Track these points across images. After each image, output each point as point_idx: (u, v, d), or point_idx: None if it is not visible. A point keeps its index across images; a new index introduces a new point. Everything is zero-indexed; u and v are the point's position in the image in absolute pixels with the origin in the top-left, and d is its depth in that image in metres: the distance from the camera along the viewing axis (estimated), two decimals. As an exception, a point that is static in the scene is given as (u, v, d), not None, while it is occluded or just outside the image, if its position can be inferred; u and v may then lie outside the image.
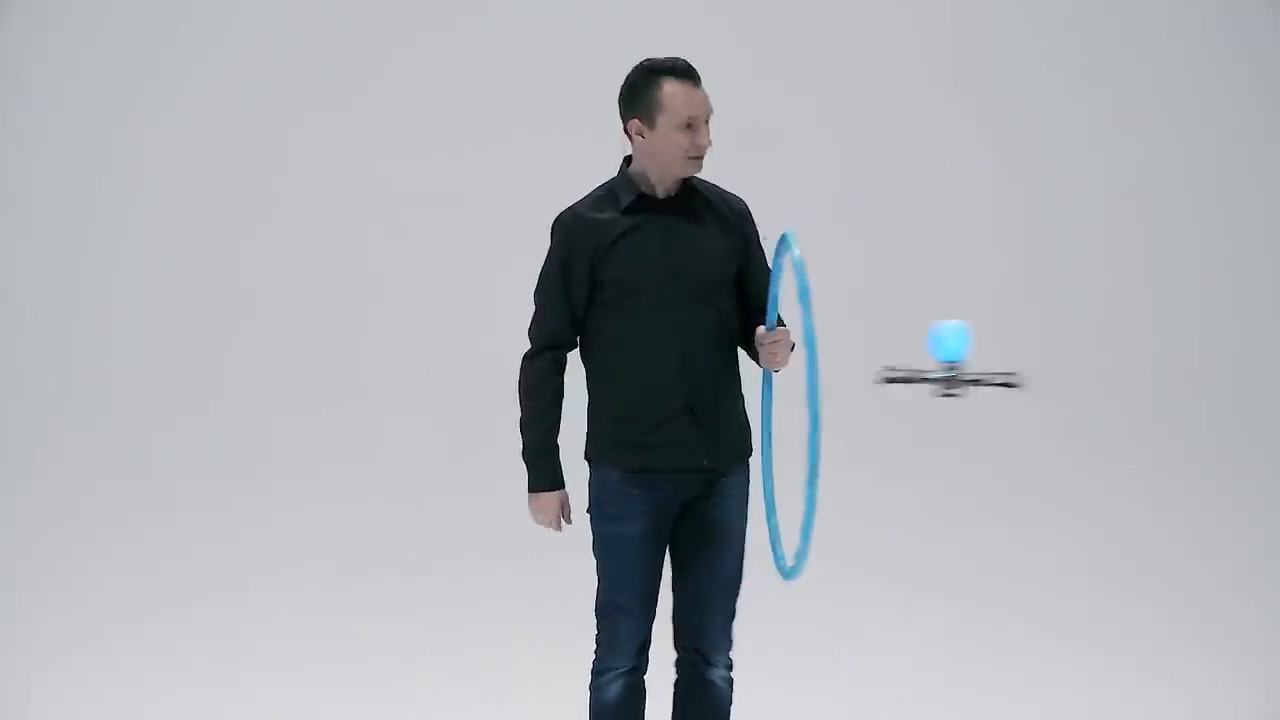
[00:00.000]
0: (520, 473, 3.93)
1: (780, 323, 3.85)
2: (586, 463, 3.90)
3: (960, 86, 6.97)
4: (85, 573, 6.28)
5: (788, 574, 3.75)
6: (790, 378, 3.88)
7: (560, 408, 3.86)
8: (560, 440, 3.90)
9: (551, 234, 3.86)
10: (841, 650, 5.74)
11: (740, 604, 3.96)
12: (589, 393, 3.88)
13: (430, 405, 6.72)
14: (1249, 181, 7.02)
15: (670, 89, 3.75)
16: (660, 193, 3.84)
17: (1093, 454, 6.77)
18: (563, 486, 3.89)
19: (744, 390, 3.95)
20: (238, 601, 6.14)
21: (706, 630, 3.91)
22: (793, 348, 3.82)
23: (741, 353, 3.95)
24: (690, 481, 3.83)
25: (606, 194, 3.85)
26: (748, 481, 3.94)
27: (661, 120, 3.76)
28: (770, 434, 3.93)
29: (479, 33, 6.88)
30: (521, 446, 3.89)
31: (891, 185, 6.95)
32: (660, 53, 3.85)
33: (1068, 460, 6.74)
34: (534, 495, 3.89)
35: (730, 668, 3.95)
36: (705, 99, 3.78)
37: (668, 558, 3.92)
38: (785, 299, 3.79)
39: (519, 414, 3.89)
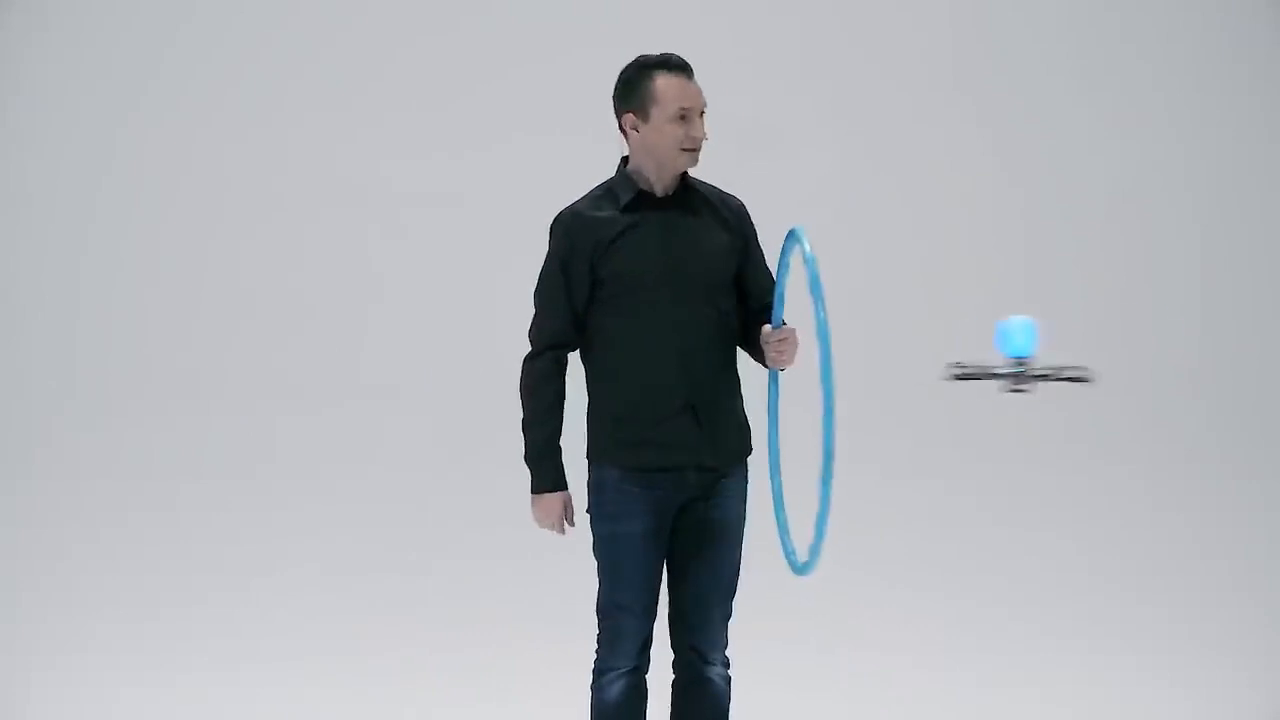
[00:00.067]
0: (519, 473, 3.93)
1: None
2: (587, 462, 3.90)
3: (960, 86, 6.97)
4: (85, 573, 6.28)
5: (800, 569, 3.75)
6: (795, 375, 3.88)
7: (562, 409, 3.87)
8: (561, 441, 3.90)
9: (550, 234, 3.87)
10: (841, 650, 5.74)
11: (740, 603, 3.96)
12: (589, 392, 3.89)
13: (430, 405, 6.72)
14: (1249, 181, 7.01)
15: (663, 82, 3.77)
16: (659, 190, 3.85)
17: (1093, 454, 6.77)
18: (565, 488, 3.89)
19: (746, 390, 3.96)
20: (238, 601, 6.14)
21: (705, 629, 3.92)
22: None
23: (741, 353, 3.96)
24: (690, 480, 3.84)
25: (605, 193, 3.87)
26: (746, 482, 3.94)
27: (655, 112, 3.77)
28: (777, 431, 3.93)
29: (479, 33, 6.88)
30: (524, 448, 3.89)
31: (891, 185, 6.95)
32: (659, 52, 3.86)
33: (1068, 460, 6.74)
34: (537, 497, 3.88)
35: (728, 665, 3.96)
36: (698, 92, 3.79)
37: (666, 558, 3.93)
38: (793, 295, 3.80)
39: (521, 415, 3.89)
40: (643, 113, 3.79)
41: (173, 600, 6.16)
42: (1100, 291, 6.90)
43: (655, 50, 3.85)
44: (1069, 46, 7.02)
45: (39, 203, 6.85)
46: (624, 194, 3.84)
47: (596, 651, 3.92)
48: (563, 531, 3.91)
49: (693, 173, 3.92)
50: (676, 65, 3.79)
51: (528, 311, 3.90)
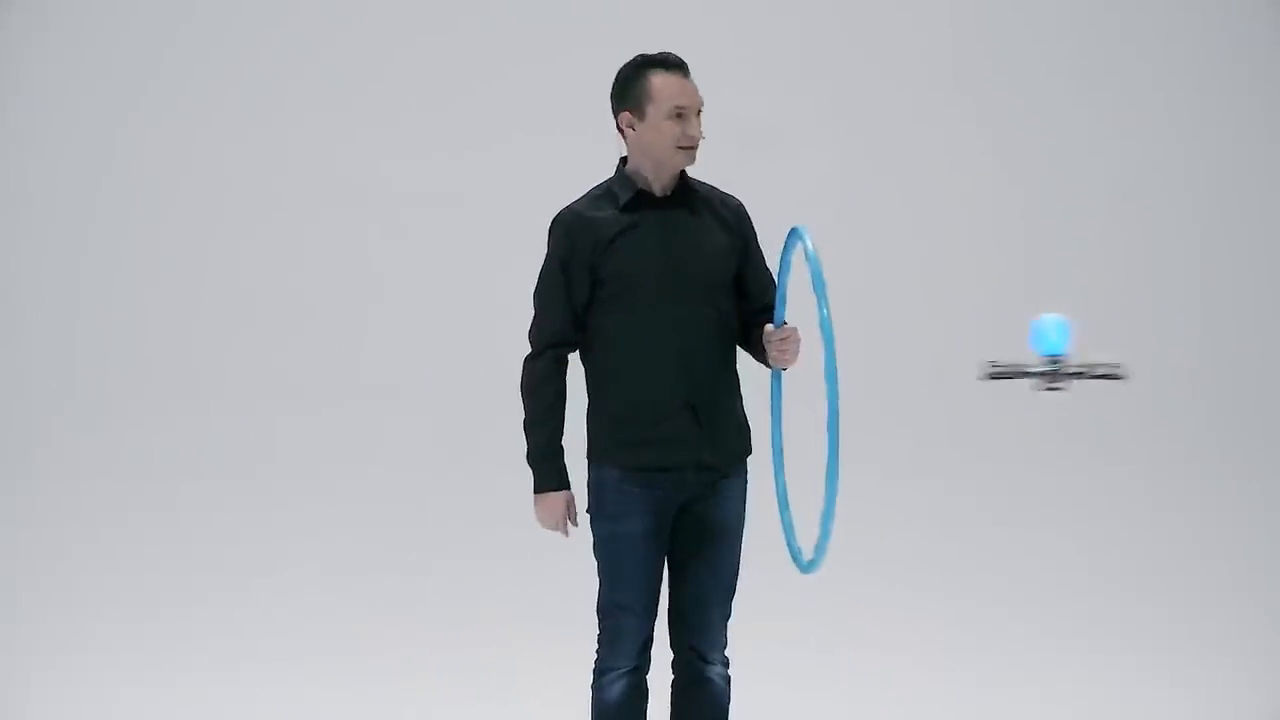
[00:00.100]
0: (519, 473, 3.93)
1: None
2: (587, 462, 3.90)
3: (960, 86, 6.97)
4: (85, 573, 6.29)
5: (805, 567, 3.76)
6: (797, 375, 3.88)
7: (563, 408, 3.86)
8: (563, 442, 3.90)
9: (549, 234, 3.87)
10: (841, 650, 5.74)
11: (740, 603, 3.96)
12: (589, 392, 3.89)
13: (430, 405, 6.72)
14: (1249, 181, 7.01)
15: (659, 80, 3.78)
16: (658, 190, 3.85)
17: (1093, 454, 6.77)
18: (568, 488, 3.88)
19: (747, 390, 3.96)
20: (238, 601, 6.14)
21: (705, 629, 3.92)
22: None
23: (742, 354, 3.96)
24: (690, 480, 3.84)
25: (605, 193, 3.87)
26: (746, 483, 3.94)
27: (650, 110, 3.78)
28: (780, 430, 3.94)
29: (479, 33, 6.88)
30: (526, 449, 3.88)
31: (891, 185, 6.94)
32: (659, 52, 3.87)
33: (1068, 460, 6.74)
34: (540, 497, 3.88)
35: (727, 665, 3.96)
36: (694, 90, 3.80)
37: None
38: (794, 294, 3.80)
39: (522, 416, 3.88)
40: (638, 111, 3.80)
41: (173, 600, 6.16)
42: (1100, 291, 6.90)
43: (655, 50, 3.85)
44: (1069, 46, 7.02)
45: (39, 203, 6.84)
46: (623, 194, 3.84)
47: (597, 651, 3.92)
48: (566, 533, 3.90)
49: (692, 172, 3.92)
50: (672, 64, 3.80)
51: (528, 311, 3.90)
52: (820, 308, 3.56)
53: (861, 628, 5.91)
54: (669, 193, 3.86)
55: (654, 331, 3.80)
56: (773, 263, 3.94)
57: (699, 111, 3.81)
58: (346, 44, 6.88)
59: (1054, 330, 3.46)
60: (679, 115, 3.78)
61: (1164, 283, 6.94)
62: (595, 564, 3.90)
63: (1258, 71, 7.00)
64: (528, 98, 6.78)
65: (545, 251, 3.88)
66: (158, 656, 5.77)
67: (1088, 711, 5.35)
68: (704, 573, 3.90)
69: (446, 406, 6.69)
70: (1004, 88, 6.98)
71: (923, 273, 6.92)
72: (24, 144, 6.85)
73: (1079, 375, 3.46)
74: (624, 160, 3.88)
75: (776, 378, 3.93)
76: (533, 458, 3.88)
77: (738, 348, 3.95)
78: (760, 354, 3.91)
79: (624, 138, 3.85)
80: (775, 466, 3.94)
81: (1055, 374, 3.45)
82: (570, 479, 3.89)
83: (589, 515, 3.90)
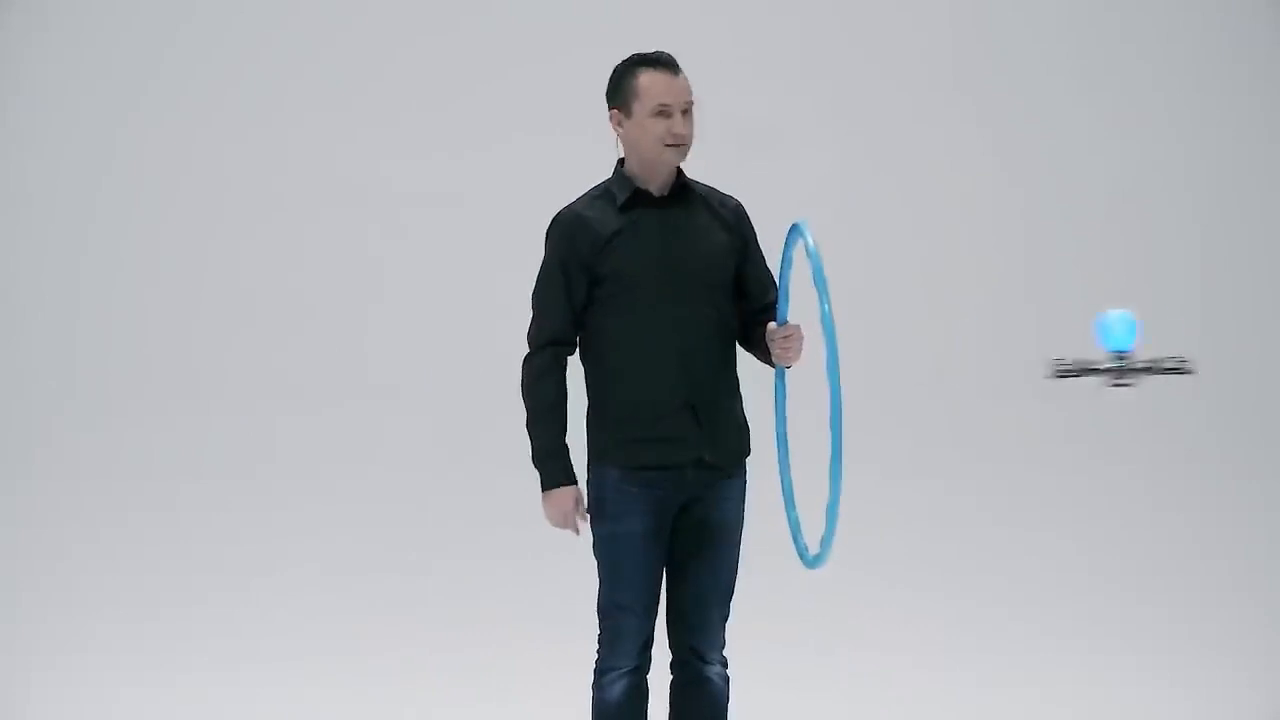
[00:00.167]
0: (519, 473, 3.93)
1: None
2: (587, 462, 3.89)
3: (960, 86, 6.97)
4: (85, 573, 6.29)
5: (811, 562, 3.76)
6: (799, 374, 3.88)
7: (565, 405, 3.85)
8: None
9: (548, 235, 3.88)
10: (841, 650, 5.74)
11: (740, 603, 3.96)
12: (588, 393, 3.89)
13: (430, 405, 6.72)
14: (1249, 181, 7.01)
15: (646, 78, 3.79)
16: (655, 190, 3.86)
17: (1093, 454, 6.77)
18: (575, 483, 3.86)
19: (749, 392, 3.96)
20: (238, 601, 6.14)
21: (704, 629, 3.92)
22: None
23: (743, 355, 3.96)
24: (689, 480, 3.83)
25: (603, 193, 3.88)
26: (745, 483, 3.95)
27: (637, 108, 3.79)
28: (785, 428, 3.94)
29: (479, 33, 6.88)
30: (530, 450, 3.87)
31: (891, 185, 6.94)
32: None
33: (1068, 460, 6.74)
34: (547, 494, 3.85)
35: (726, 665, 3.96)
36: (683, 88, 3.80)
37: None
38: (796, 292, 3.80)
39: (524, 416, 3.87)
40: (626, 109, 3.81)
41: (173, 600, 6.16)
42: (1100, 291, 6.88)
43: (651, 49, 3.86)
44: (1069, 46, 7.02)
45: (39, 203, 6.84)
46: (621, 193, 3.85)
47: (597, 651, 3.92)
48: (576, 531, 3.88)
49: (691, 172, 3.93)
50: (660, 62, 3.81)
51: (527, 311, 3.90)
52: (822, 303, 3.56)
53: (861, 628, 5.91)
54: (667, 192, 3.87)
55: (653, 331, 3.80)
56: (773, 262, 3.94)
57: (687, 110, 3.81)
58: (346, 44, 6.88)
59: (1120, 326, 3.44)
60: (663, 113, 3.78)
61: (1164, 283, 6.93)
62: (595, 564, 3.90)
63: (1258, 71, 7.00)
64: (528, 98, 6.78)
65: (544, 252, 3.88)
66: (158, 656, 5.77)
67: (1088, 711, 5.35)
68: (703, 573, 3.90)
69: (446, 406, 6.69)
70: (1004, 88, 6.98)
71: (923, 273, 6.91)
72: (24, 144, 6.84)
73: (1146, 371, 3.44)
74: (622, 161, 3.89)
75: (780, 376, 3.93)
76: (537, 457, 3.86)
77: (739, 349, 3.95)
78: (762, 354, 3.91)
79: (618, 137, 3.86)
80: (780, 465, 3.95)
81: (1122, 370, 3.43)
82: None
83: (589, 515, 3.89)
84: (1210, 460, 6.76)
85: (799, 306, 3.81)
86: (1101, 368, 3.43)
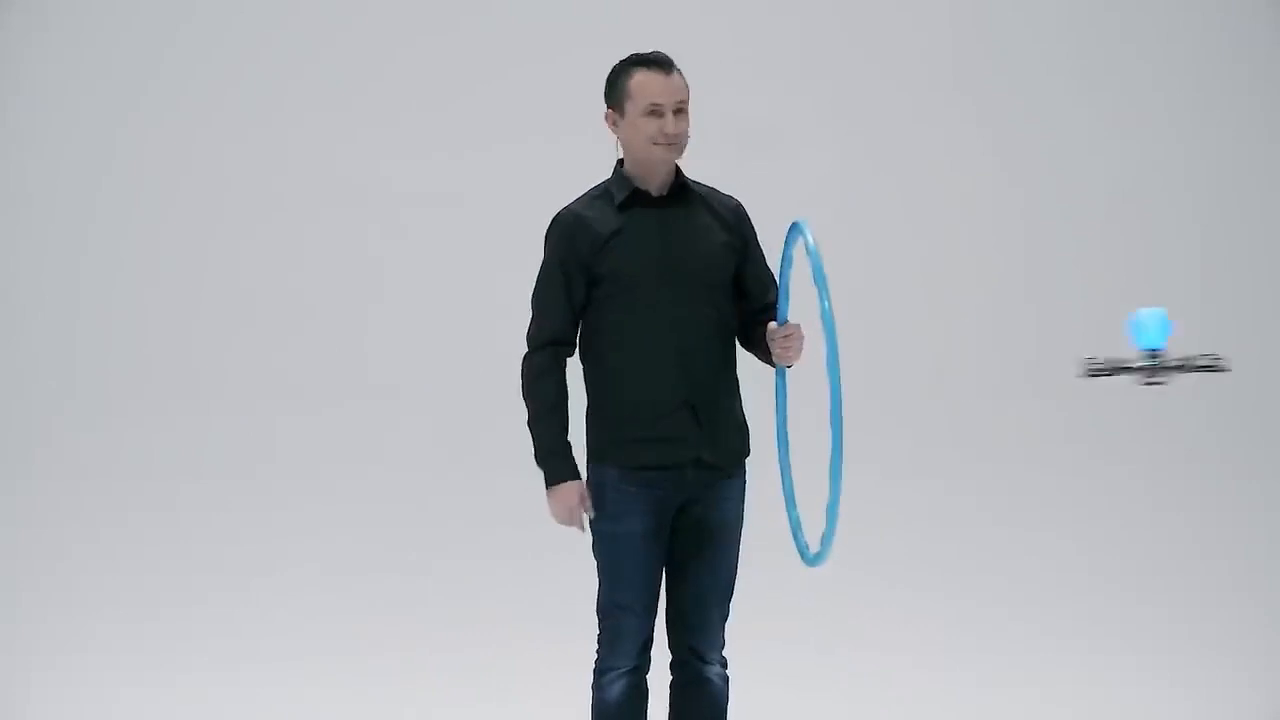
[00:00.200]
0: (519, 473, 3.93)
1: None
2: (586, 462, 3.89)
3: (960, 86, 6.97)
4: (85, 573, 6.29)
5: (812, 560, 3.76)
6: (801, 372, 3.88)
7: (566, 403, 3.85)
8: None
9: (547, 235, 3.89)
10: (841, 650, 5.74)
11: (740, 602, 3.96)
12: (588, 392, 3.89)
13: (430, 405, 6.72)
14: (1249, 181, 7.01)
15: (639, 77, 3.80)
16: (653, 190, 3.87)
17: (1093, 454, 6.77)
18: (579, 478, 3.85)
19: (751, 392, 3.96)
20: (238, 601, 6.15)
21: (704, 630, 3.92)
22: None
23: (744, 356, 3.96)
24: (689, 479, 3.84)
25: (602, 193, 3.89)
26: (744, 483, 3.95)
27: (629, 107, 3.80)
28: (786, 427, 3.94)
29: (479, 33, 6.88)
30: (533, 449, 3.86)
31: (891, 185, 6.94)
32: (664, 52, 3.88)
33: (1068, 460, 6.74)
34: (552, 490, 3.83)
35: (726, 665, 3.97)
36: (675, 87, 3.80)
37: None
38: (796, 290, 3.80)
39: (525, 415, 3.87)
40: (619, 108, 3.83)
41: (173, 600, 6.16)
42: (1100, 291, 6.89)
43: (648, 49, 3.87)
44: (1069, 46, 7.02)
45: (39, 203, 6.84)
46: (619, 193, 3.86)
47: (597, 651, 3.92)
48: (582, 528, 3.86)
49: (691, 173, 3.93)
50: (653, 61, 3.82)
51: (527, 312, 3.90)
52: (821, 300, 3.57)
53: (861, 628, 5.91)
54: (665, 192, 3.88)
55: (652, 331, 3.81)
56: (773, 262, 3.94)
57: (680, 109, 3.81)
58: (346, 44, 6.88)
59: (1153, 324, 3.44)
60: (655, 112, 3.79)
61: (1164, 283, 6.93)
62: (595, 564, 3.90)
63: (1258, 71, 7.00)
64: (528, 98, 6.78)
65: (543, 252, 3.89)
66: (158, 656, 5.77)
67: (1088, 711, 5.35)
68: (703, 573, 3.90)
69: (446, 406, 6.69)
70: (1004, 88, 6.98)
71: (923, 273, 6.92)
72: (24, 144, 6.85)
73: (1179, 369, 3.44)
74: (622, 161, 3.90)
75: (781, 376, 3.94)
76: (540, 455, 3.85)
77: (741, 350, 3.96)
78: (763, 354, 3.91)
79: (616, 139, 3.88)
80: (781, 464, 3.95)
81: (1155, 368, 3.43)
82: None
83: (593, 511, 3.89)
84: (1210, 460, 6.76)
85: (799, 305, 3.81)
86: (1134, 366, 3.43)
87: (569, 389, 3.87)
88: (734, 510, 3.92)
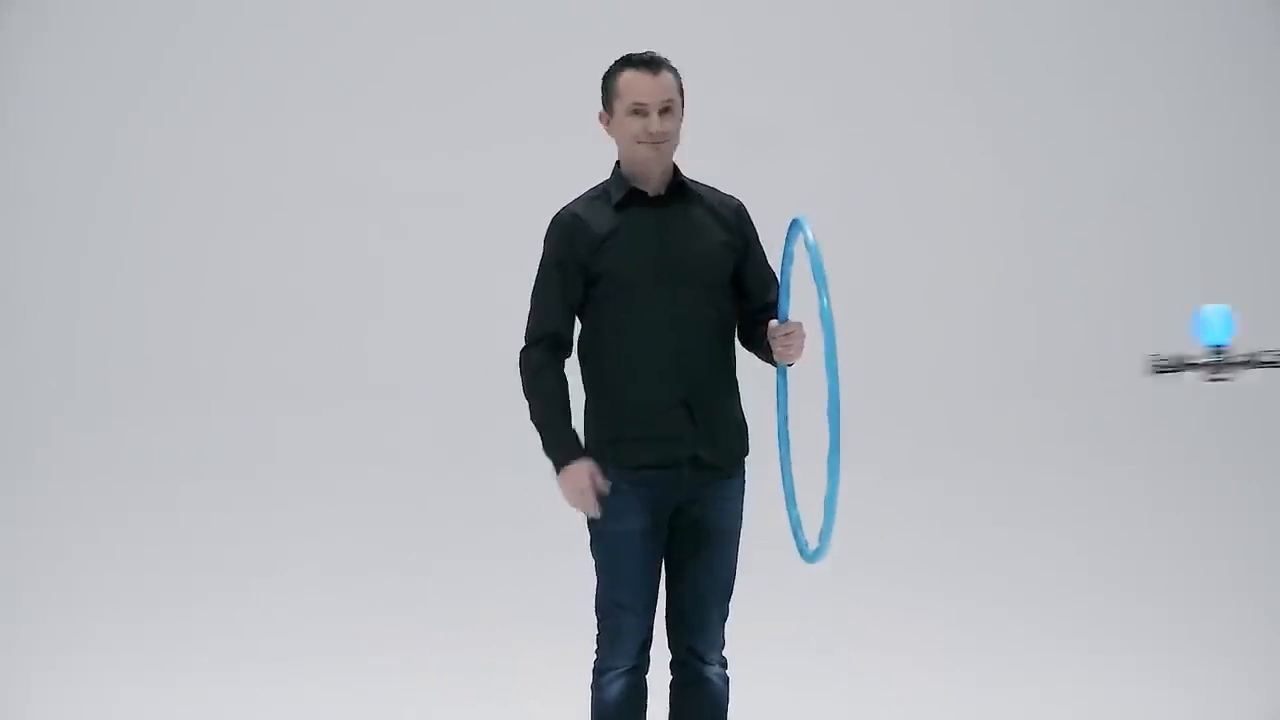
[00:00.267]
0: (519, 472, 3.93)
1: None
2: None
3: (960, 86, 6.97)
4: (85, 573, 6.29)
5: (811, 557, 3.76)
6: (802, 371, 3.88)
7: (566, 392, 3.84)
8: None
9: (546, 234, 3.89)
10: (841, 650, 5.74)
11: (740, 602, 3.96)
12: (586, 392, 3.89)
13: (430, 405, 6.72)
14: (1249, 181, 7.01)
15: (627, 76, 3.82)
16: (650, 189, 3.87)
17: (1093, 454, 6.77)
18: (588, 457, 3.81)
19: (752, 391, 3.96)
20: (238, 601, 6.15)
21: (703, 630, 3.92)
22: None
23: (746, 356, 3.96)
24: (686, 479, 3.83)
25: (601, 194, 3.91)
26: (744, 483, 3.95)
27: (617, 107, 3.83)
28: (787, 426, 3.94)
29: (479, 33, 6.88)
30: (540, 440, 3.83)
31: (891, 185, 6.94)
32: (660, 52, 3.88)
33: (1068, 460, 6.74)
34: (561, 474, 3.80)
35: (725, 665, 3.96)
36: (662, 86, 3.81)
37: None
38: (797, 287, 3.80)
39: (528, 411, 3.86)
40: (610, 108, 3.86)
41: (173, 600, 6.16)
42: (1100, 291, 6.89)
43: (655, 51, 3.87)
44: (1069, 46, 7.02)
45: (39, 203, 6.84)
46: (616, 193, 3.87)
47: (596, 651, 3.92)
48: (596, 510, 3.82)
49: (691, 173, 3.93)
50: (643, 61, 3.83)
51: (527, 312, 3.90)
52: (820, 297, 3.57)
53: (861, 628, 5.91)
54: (663, 192, 3.88)
55: (649, 330, 3.81)
56: (774, 262, 3.94)
57: (666, 109, 3.81)
58: (346, 44, 6.88)
59: (1218, 320, 3.45)
60: (639, 111, 3.80)
61: (1164, 283, 6.93)
62: (594, 563, 3.90)
63: (1258, 71, 7.00)
64: (528, 98, 6.78)
65: (542, 250, 3.90)
66: (158, 656, 5.77)
67: (1088, 711, 5.35)
68: (701, 573, 3.90)
69: (446, 406, 6.69)
70: (1004, 88, 6.98)
71: (923, 272, 6.91)
72: (24, 144, 6.84)
73: (1244, 364, 3.45)
74: (619, 163, 3.91)
75: (781, 374, 3.94)
76: (547, 444, 3.82)
77: (743, 350, 3.96)
78: (764, 354, 3.91)
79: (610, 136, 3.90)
80: (782, 463, 3.95)
81: (1220, 364, 3.44)
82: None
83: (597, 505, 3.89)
84: (1210, 460, 6.76)
85: (800, 304, 3.81)
86: (1199, 362, 3.43)
87: (569, 389, 3.87)
88: (732, 511, 3.92)
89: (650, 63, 3.83)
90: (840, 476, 3.57)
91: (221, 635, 5.93)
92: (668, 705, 3.97)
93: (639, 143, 3.81)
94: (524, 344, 3.89)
